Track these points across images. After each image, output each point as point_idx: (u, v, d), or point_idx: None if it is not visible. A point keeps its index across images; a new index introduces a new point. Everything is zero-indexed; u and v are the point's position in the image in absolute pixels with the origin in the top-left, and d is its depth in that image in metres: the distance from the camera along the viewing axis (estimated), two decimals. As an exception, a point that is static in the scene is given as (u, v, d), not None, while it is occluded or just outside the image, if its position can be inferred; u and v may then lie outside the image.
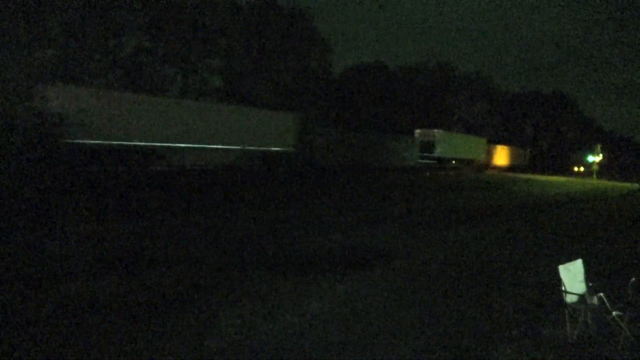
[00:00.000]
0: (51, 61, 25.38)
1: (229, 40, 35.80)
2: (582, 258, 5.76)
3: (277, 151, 25.99)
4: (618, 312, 5.05)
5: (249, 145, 24.15)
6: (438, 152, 40.21)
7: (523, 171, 53.13)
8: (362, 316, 5.85)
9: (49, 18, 25.26)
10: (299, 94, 40.30)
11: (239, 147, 23.58)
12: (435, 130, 41.27)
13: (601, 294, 5.23)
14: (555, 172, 53.13)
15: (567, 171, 57.58)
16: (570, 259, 5.74)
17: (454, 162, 42.83)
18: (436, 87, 57.79)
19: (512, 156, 57.09)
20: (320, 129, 30.76)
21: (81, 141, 17.18)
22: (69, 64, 26.97)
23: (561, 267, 5.36)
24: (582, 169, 59.07)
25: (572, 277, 5.41)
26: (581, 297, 5.37)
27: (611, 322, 5.14)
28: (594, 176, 42.81)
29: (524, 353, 4.98)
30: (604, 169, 54.30)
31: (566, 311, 5.32)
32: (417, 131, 41.06)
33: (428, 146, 39.76)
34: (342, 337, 5.20)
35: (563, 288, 5.26)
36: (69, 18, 26.23)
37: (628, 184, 37.66)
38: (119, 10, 29.44)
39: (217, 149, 22.53)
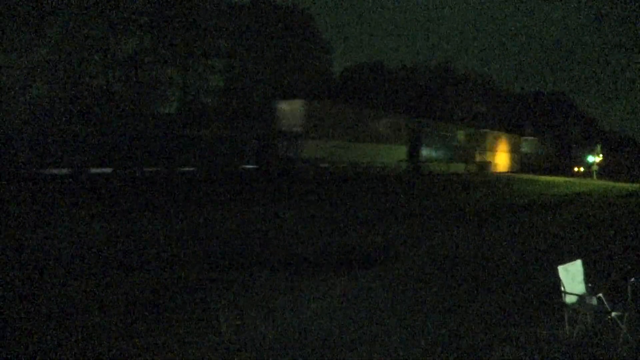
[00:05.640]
0: (51, 61, 25.41)
1: (229, 40, 35.78)
2: (581, 258, 5.76)
3: None
4: (618, 312, 5.05)
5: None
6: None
7: (522, 171, 53.27)
8: (362, 316, 5.85)
9: (48, 18, 25.27)
10: (298, 94, 40.24)
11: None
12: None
13: (601, 294, 5.23)
14: (555, 172, 53.12)
15: (567, 171, 57.53)
16: (569, 259, 5.74)
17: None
18: (436, 87, 57.74)
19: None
20: None
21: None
22: (69, 64, 26.95)
23: (560, 268, 5.35)
24: (582, 169, 59.15)
25: (572, 277, 5.41)
26: (581, 297, 5.36)
27: (611, 322, 5.14)
28: (594, 177, 42.71)
29: (524, 353, 4.98)
30: (604, 169, 54.24)
31: (566, 311, 5.32)
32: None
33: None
34: (341, 337, 5.20)
35: (562, 288, 5.26)
36: (69, 18, 26.21)
37: (628, 184, 37.62)
38: (119, 10, 29.42)
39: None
